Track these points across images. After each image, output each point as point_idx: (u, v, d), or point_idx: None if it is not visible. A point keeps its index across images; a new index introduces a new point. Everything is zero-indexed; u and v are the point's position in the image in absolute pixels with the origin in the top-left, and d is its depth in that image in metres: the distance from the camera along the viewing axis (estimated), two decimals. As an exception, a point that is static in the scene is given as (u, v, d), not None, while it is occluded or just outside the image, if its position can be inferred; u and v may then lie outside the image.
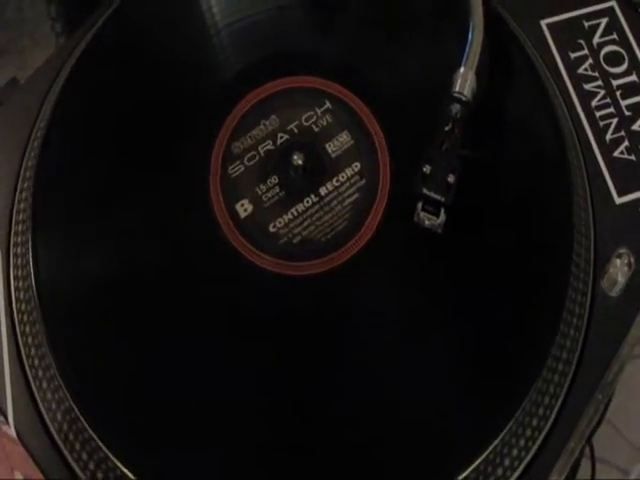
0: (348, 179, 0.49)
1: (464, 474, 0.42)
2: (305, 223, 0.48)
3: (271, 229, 0.48)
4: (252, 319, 0.46)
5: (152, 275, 0.46)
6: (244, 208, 0.48)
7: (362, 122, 0.50)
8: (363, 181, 0.49)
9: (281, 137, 0.50)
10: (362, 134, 0.50)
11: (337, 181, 0.49)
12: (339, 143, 0.49)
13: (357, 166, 0.49)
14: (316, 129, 0.50)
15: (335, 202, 0.48)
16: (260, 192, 0.49)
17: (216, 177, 0.49)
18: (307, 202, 0.48)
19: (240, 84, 0.51)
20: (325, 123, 0.50)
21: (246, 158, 0.49)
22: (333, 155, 0.49)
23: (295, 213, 0.48)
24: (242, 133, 0.50)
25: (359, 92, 0.50)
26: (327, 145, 0.49)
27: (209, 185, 0.48)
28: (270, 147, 0.50)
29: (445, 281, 0.46)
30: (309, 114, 0.50)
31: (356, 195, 0.48)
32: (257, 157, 0.49)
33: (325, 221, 0.48)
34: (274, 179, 0.49)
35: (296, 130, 0.50)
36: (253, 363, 0.45)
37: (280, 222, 0.48)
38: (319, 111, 0.50)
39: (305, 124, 0.50)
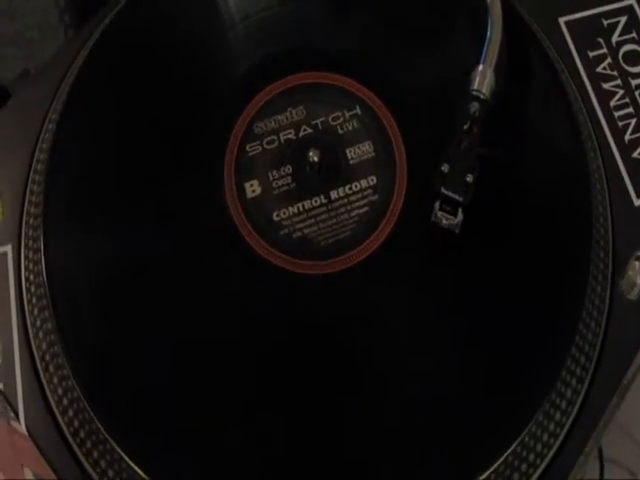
0: (361, 190, 0.48)
1: (483, 476, 0.41)
2: (309, 221, 0.47)
3: (274, 217, 0.47)
4: (239, 303, 0.45)
5: (157, 254, 0.46)
6: (252, 189, 0.48)
7: (388, 137, 0.49)
8: (376, 196, 0.48)
9: (304, 129, 0.49)
10: (385, 149, 0.49)
11: (350, 189, 0.48)
12: (360, 152, 0.49)
13: (373, 180, 0.48)
14: (340, 131, 0.49)
15: (343, 209, 0.48)
16: (272, 178, 0.48)
17: (233, 150, 0.48)
18: (315, 201, 0.48)
19: (276, 68, 0.50)
20: (351, 128, 0.49)
21: (266, 141, 0.49)
22: (352, 162, 0.49)
23: (301, 208, 0.48)
24: (267, 115, 0.49)
25: (393, 107, 0.49)
26: (348, 150, 0.49)
27: (224, 156, 0.48)
28: (291, 136, 0.49)
29: (452, 295, 0.46)
30: (337, 114, 0.50)
31: (366, 208, 0.47)
32: (276, 142, 0.49)
33: (329, 225, 0.47)
34: (288, 169, 0.48)
35: (320, 127, 0.49)
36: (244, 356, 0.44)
37: (284, 213, 0.47)
38: (347, 114, 0.50)
39: (331, 123, 0.49)
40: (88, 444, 0.44)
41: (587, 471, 0.54)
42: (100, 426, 0.42)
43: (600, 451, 0.60)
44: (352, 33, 0.51)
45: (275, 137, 0.49)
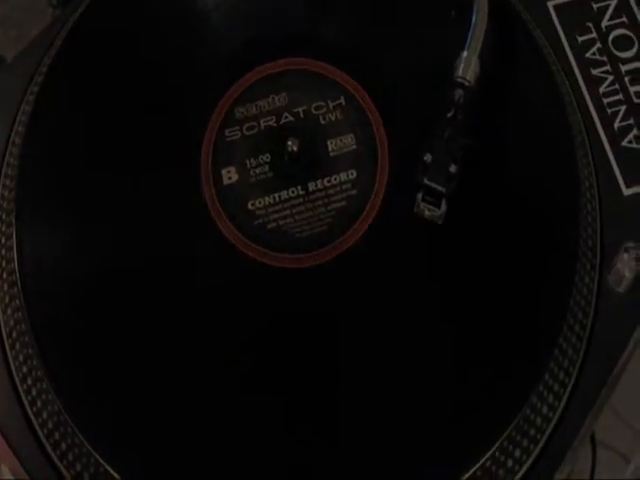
0: (340, 184, 0.47)
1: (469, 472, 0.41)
2: (284, 212, 0.46)
3: (249, 206, 0.46)
4: (205, 287, 0.44)
5: (130, 240, 0.46)
6: (229, 175, 0.47)
7: (371, 131, 0.48)
8: (354, 191, 0.46)
9: (285, 117, 0.48)
10: (367, 143, 0.47)
11: (328, 182, 0.47)
12: (342, 144, 0.47)
13: (353, 174, 0.47)
14: (322, 121, 0.48)
15: (320, 202, 0.46)
16: (249, 165, 0.47)
17: (212, 134, 0.47)
18: (292, 192, 0.46)
19: (260, 53, 0.49)
20: (333, 118, 0.48)
21: (245, 127, 0.48)
22: (332, 154, 0.47)
23: (277, 199, 0.46)
24: (249, 100, 0.48)
25: (378, 99, 0.48)
26: (329, 142, 0.47)
27: (202, 141, 0.47)
28: (272, 123, 0.48)
29: (432, 291, 0.45)
30: (320, 104, 0.48)
31: (343, 203, 0.46)
32: (256, 129, 0.48)
33: (305, 218, 0.46)
34: (266, 157, 0.47)
35: (302, 115, 0.48)
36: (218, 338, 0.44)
37: (260, 202, 0.46)
38: (331, 104, 0.48)
39: (313, 112, 0.48)
40: (63, 446, 0.43)
41: (579, 457, 0.53)
42: (76, 429, 0.41)
43: (593, 436, 0.59)
44: (340, 22, 0.50)
45: (255, 123, 0.48)
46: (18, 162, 0.47)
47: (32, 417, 0.44)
